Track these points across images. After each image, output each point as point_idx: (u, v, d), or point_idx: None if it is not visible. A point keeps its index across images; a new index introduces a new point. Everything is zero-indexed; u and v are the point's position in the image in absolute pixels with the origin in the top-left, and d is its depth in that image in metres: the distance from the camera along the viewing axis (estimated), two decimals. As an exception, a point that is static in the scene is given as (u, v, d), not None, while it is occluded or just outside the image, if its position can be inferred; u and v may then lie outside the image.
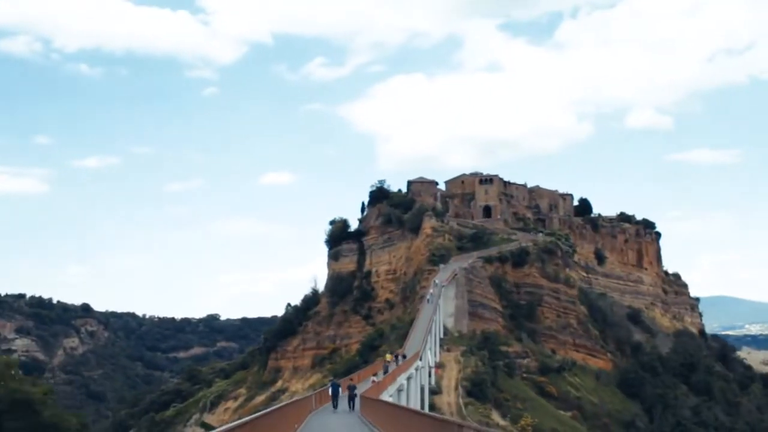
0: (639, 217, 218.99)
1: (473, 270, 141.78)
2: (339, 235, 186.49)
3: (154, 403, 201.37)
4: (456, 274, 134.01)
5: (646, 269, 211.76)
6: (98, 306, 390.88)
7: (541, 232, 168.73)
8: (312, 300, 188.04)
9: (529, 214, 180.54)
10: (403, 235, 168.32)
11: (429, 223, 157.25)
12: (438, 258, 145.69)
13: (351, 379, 55.36)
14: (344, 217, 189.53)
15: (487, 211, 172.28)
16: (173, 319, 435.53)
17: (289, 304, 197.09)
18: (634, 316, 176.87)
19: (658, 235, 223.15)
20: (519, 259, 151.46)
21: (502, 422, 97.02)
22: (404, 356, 75.80)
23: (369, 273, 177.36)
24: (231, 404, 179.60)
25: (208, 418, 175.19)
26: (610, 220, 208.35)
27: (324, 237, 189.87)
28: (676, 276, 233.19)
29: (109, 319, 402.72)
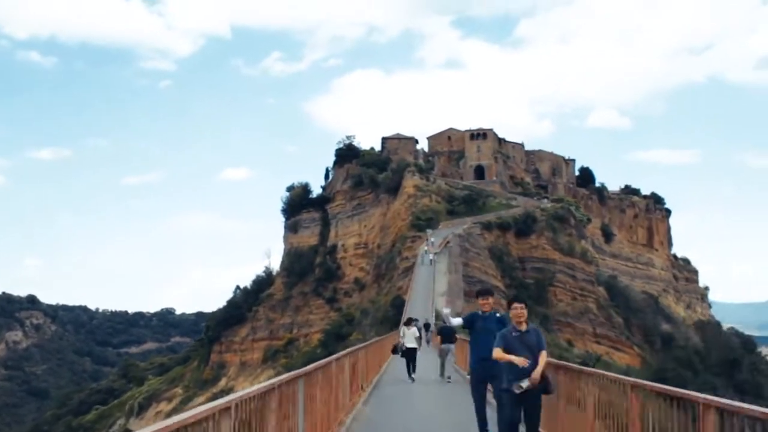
0: (645, 191, 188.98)
1: (469, 238, 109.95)
2: (298, 203, 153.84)
3: (84, 404, 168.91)
4: (448, 242, 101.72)
5: (656, 250, 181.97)
6: (50, 299, 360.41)
7: (546, 197, 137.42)
8: (265, 281, 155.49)
9: (528, 179, 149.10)
10: (378, 199, 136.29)
11: (411, 181, 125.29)
12: (424, 222, 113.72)
13: None
14: (305, 181, 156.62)
15: (480, 172, 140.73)
16: (126, 312, 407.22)
17: (237, 287, 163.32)
18: (653, 304, 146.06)
19: (668, 212, 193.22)
20: (524, 226, 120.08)
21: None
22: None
23: (334, 247, 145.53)
24: (164, 407, 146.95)
25: (135, 424, 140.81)
26: (617, 193, 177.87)
27: (280, 205, 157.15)
28: (686, 261, 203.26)
29: (57, 312, 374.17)
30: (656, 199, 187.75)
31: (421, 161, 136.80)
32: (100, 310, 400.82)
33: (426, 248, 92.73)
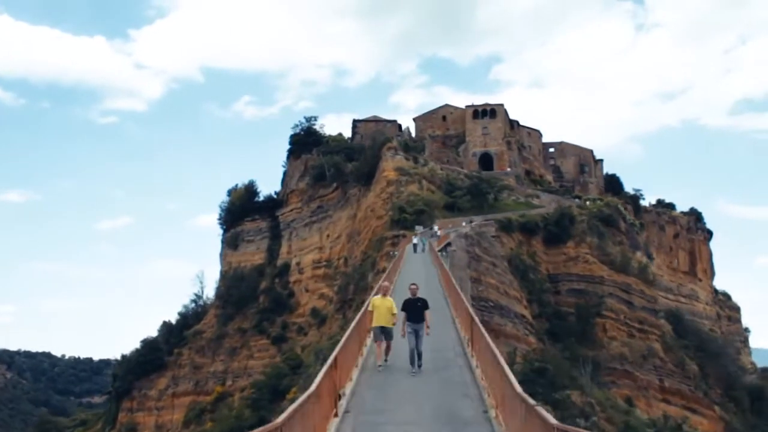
0: (684, 206, 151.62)
1: (480, 240, 71.48)
2: (239, 210, 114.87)
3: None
4: (449, 244, 62.83)
5: (700, 280, 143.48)
6: (13, 345, 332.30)
7: (579, 197, 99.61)
8: (194, 314, 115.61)
9: (548, 176, 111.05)
10: (345, 197, 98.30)
11: (392, 162, 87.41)
12: (412, 217, 75.38)
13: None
14: (251, 179, 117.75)
15: (487, 162, 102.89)
16: (91, 359, 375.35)
17: (165, 323, 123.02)
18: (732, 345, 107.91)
19: (710, 234, 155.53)
20: (558, 229, 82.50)
21: None
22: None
23: (286, 267, 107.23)
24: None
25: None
26: (654, 205, 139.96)
27: (218, 213, 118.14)
28: (726, 296, 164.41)
29: (14, 357, 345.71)
30: (697, 216, 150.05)
31: (406, 140, 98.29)
32: (67, 357, 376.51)
33: (417, 237, 55.29)
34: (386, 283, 19.22)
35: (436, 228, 69.22)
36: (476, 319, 18.78)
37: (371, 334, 18.82)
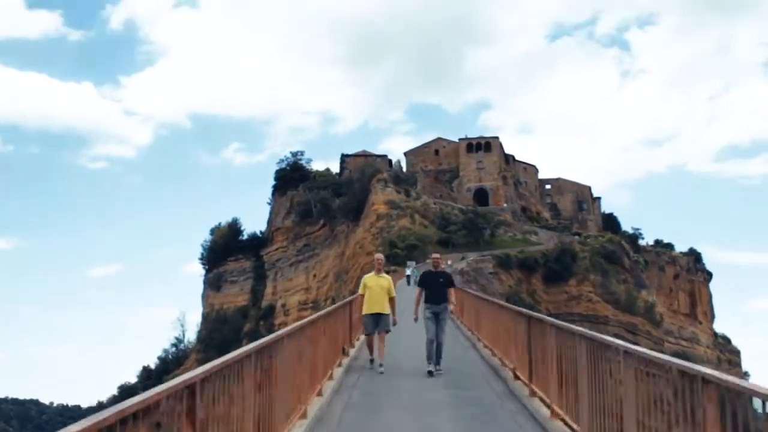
0: (682, 246, 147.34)
1: (477, 276, 66.65)
2: (223, 250, 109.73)
3: None
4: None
5: (700, 323, 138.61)
6: (5, 393, 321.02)
7: (579, 234, 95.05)
8: (174, 358, 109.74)
9: (545, 213, 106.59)
10: (333, 234, 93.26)
11: (382, 195, 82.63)
12: (403, 252, 70.51)
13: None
14: (235, 217, 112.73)
15: (482, 197, 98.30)
16: (79, 407, 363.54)
17: (144, 368, 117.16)
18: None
19: (710, 275, 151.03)
20: (559, 266, 77.48)
21: None
22: None
23: (271, 309, 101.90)
24: None
25: None
26: (652, 245, 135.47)
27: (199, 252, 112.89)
28: (726, 339, 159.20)
29: (1, 405, 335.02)
30: (696, 257, 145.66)
31: (397, 171, 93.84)
32: (56, 404, 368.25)
33: (411, 269, 50.70)
34: (380, 256, 14.01)
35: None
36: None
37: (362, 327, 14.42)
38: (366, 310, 13.57)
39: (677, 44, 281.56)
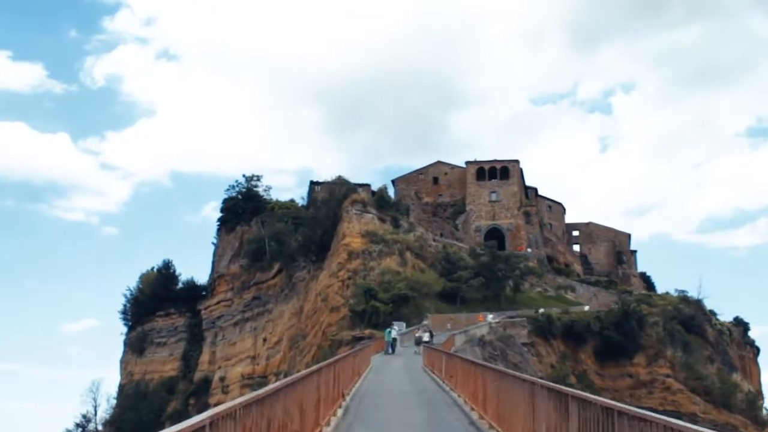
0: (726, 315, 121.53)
1: (506, 349, 40.72)
2: (150, 301, 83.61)
3: None
4: (456, 351, 31.36)
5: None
6: None
7: (629, 292, 69.53)
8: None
9: (577, 265, 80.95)
10: (290, 284, 67.53)
11: (357, 224, 57.08)
12: (387, 308, 44.56)
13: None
14: (166, 259, 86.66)
15: (496, 239, 72.52)
16: None
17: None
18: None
19: (758, 350, 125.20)
20: (620, 334, 51.25)
21: None
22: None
23: (206, 382, 75.49)
24: None
25: None
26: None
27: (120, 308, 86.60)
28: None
29: None
30: (744, 327, 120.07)
31: (382, 192, 68.23)
32: None
33: (395, 330, 25.73)
34: None
35: (425, 327, 38.82)
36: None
37: None
38: None
39: (657, 116, 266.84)
